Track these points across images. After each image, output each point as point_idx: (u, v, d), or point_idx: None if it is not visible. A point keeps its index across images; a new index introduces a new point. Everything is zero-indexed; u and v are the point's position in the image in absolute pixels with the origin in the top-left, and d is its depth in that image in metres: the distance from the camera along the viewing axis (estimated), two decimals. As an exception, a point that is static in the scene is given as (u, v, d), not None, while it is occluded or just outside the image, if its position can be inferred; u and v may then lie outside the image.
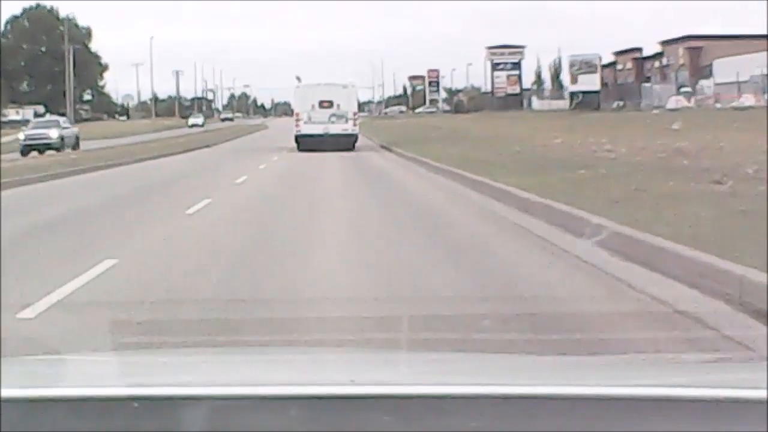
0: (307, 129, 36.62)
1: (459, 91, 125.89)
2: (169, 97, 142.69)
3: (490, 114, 78.54)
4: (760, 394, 1.50)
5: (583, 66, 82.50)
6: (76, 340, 5.39)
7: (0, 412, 1.46)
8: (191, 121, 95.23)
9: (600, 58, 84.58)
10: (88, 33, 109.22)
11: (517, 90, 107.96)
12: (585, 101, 76.24)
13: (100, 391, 1.61)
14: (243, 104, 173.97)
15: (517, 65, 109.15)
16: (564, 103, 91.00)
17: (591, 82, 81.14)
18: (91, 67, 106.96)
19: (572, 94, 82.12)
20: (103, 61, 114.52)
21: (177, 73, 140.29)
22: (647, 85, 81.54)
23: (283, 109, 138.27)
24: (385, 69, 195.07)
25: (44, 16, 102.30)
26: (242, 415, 1.48)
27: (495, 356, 2.97)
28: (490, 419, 1.48)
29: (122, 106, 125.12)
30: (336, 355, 2.81)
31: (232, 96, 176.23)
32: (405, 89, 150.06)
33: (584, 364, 2.41)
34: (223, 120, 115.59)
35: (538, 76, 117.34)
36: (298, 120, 37.28)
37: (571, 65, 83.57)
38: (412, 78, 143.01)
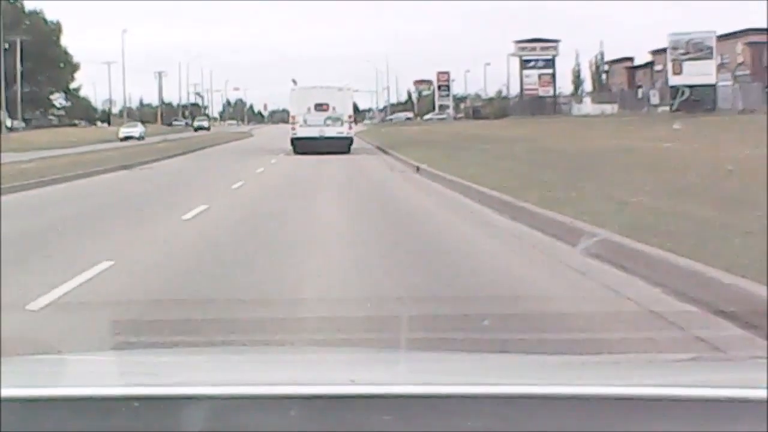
0: (302, 132, 36.87)
1: (465, 97, 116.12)
2: (164, 103, 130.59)
3: (528, 120, 63.41)
4: (760, 394, 1.51)
5: (691, 49, 58.55)
6: (76, 340, 5.39)
7: (0, 412, 1.46)
8: (123, 131, 68.44)
9: (715, 38, 60.07)
10: (57, 28, 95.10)
11: (551, 92, 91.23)
12: (693, 99, 55.42)
13: (100, 391, 1.61)
14: (239, 111, 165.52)
15: (550, 63, 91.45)
16: (611, 107, 77.56)
17: (702, 72, 57.28)
18: (60, 66, 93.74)
19: (674, 89, 58.87)
20: (75, 60, 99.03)
21: (159, 74, 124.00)
22: (725, 84, 61.96)
23: (281, 116, 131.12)
24: (386, 74, 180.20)
25: (7, 10, 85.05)
26: (242, 415, 1.48)
27: (495, 356, 2.98)
28: (490, 419, 1.48)
29: (104, 111, 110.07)
30: (336, 355, 2.81)
31: (228, 102, 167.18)
32: (409, 95, 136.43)
33: (584, 364, 2.41)
34: (197, 129, 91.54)
35: (577, 75, 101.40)
36: (293, 123, 37.55)
37: (673, 48, 59.58)
38: (418, 82, 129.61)
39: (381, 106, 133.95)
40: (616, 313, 6.26)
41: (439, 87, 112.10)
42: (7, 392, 1.52)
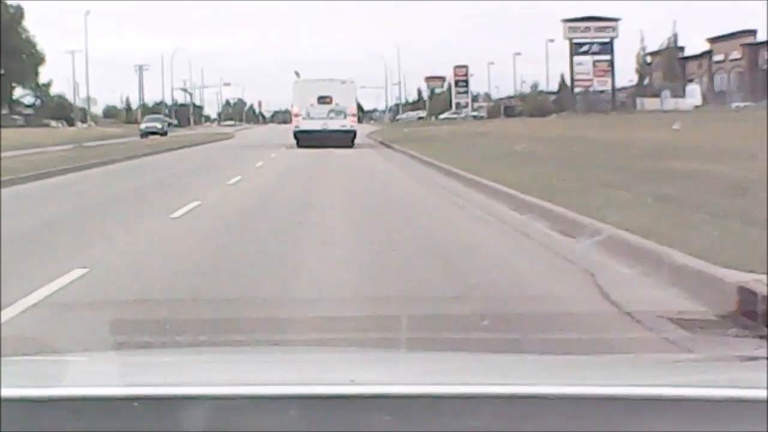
0: (305, 125, 36.89)
1: (476, 96, 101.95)
2: (156, 103, 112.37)
3: (601, 119, 49.18)
4: (760, 394, 1.51)
5: None
6: (76, 340, 5.39)
7: (0, 412, 1.46)
8: None
9: None
10: (18, 13, 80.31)
11: (607, 84, 73.67)
12: None
13: (100, 391, 1.61)
14: (238, 111, 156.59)
15: (607, 47, 73.57)
16: (688, 102, 62.35)
17: None
18: (22, 57, 78.61)
19: None
20: (41, 49, 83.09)
21: (140, 68, 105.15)
22: None
23: (284, 117, 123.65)
24: (392, 70, 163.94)
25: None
26: (242, 415, 1.49)
27: (495, 356, 2.98)
28: (490, 419, 1.48)
29: (84, 110, 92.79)
30: (336, 355, 2.81)
31: (227, 103, 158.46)
32: (419, 93, 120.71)
33: (584, 364, 2.41)
34: (145, 134, 60.30)
35: (644, 62, 79.39)
36: (296, 116, 37.51)
37: None
38: (430, 79, 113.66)
39: (388, 106, 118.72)
40: (616, 313, 6.26)
41: (456, 83, 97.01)
42: (7, 392, 1.52)
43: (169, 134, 61.85)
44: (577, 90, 74.26)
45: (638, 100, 72.04)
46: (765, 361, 2.23)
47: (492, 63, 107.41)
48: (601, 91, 73.86)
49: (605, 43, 73.62)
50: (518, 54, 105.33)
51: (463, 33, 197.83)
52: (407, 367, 2.19)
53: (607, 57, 73.79)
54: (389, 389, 1.60)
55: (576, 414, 1.49)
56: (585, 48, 73.69)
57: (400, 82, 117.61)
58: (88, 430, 1.48)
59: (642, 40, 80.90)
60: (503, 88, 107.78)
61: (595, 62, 73.89)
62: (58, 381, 1.89)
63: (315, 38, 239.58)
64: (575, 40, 73.78)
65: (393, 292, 6.97)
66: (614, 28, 73.95)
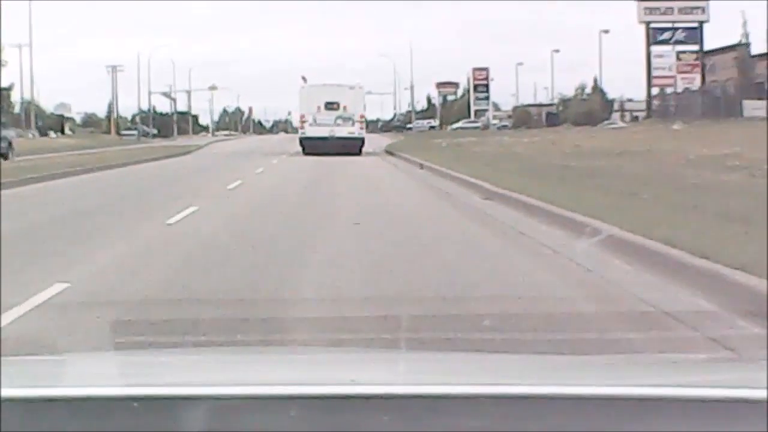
0: (312, 131, 36.40)
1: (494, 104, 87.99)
2: (142, 111, 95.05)
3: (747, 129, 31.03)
4: (760, 394, 1.51)
5: None
6: (76, 340, 5.39)
7: (0, 412, 1.46)
8: None
9: None
10: None
11: (695, 82, 55.58)
12: None
13: (100, 391, 1.61)
14: (236, 120, 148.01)
15: (694, 34, 56.39)
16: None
17: None
18: None
19: None
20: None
21: (114, 68, 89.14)
22: None
23: (285, 126, 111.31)
24: (400, 76, 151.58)
25: None
26: (242, 415, 1.49)
27: (495, 356, 2.98)
28: (490, 419, 1.48)
29: (59, 117, 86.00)
30: (336, 355, 2.81)
31: (225, 112, 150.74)
32: (429, 100, 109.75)
33: (584, 364, 2.41)
34: None
35: (747, 54, 56.27)
36: (302, 122, 37.11)
37: None
38: (441, 85, 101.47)
39: (396, 114, 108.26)
40: (617, 313, 6.26)
41: (476, 87, 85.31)
42: (7, 392, 1.52)
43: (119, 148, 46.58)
44: (654, 90, 58.60)
45: (745, 103, 50.88)
46: (765, 361, 2.23)
47: (521, 63, 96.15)
48: (690, 91, 55.65)
49: (692, 29, 57.00)
50: (557, 51, 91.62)
51: (469, 37, 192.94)
52: (407, 367, 2.19)
53: (695, 47, 57.11)
54: (389, 389, 1.60)
55: (576, 414, 1.49)
56: (665, 36, 57.33)
57: (411, 86, 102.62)
58: (88, 430, 1.48)
59: (744, 24, 58.18)
60: (519, 95, 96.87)
61: (678, 54, 57.43)
62: (58, 381, 1.89)
63: (314, 44, 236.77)
64: (653, 25, 57.02)
65: (394, 293, 6.97)
66: (704, 9, 57.01)
